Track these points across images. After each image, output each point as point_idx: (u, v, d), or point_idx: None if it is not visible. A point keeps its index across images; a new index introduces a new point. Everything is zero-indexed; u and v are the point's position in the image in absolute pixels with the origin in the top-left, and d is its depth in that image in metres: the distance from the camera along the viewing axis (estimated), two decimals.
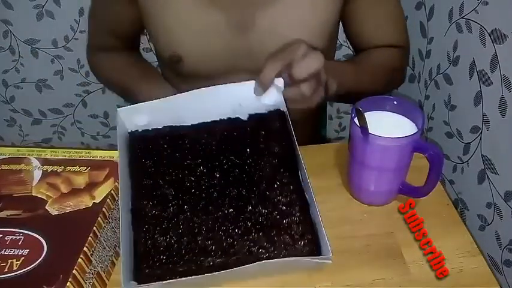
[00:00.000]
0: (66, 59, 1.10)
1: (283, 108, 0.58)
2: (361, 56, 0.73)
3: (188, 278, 0.44)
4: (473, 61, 0.59)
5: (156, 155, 0.55)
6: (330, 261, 0.45)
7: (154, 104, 0.56)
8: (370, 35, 0.71)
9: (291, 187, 0.52)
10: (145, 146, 0.56)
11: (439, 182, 0.63)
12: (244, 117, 0.59)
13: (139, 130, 0.58)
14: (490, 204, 0.58)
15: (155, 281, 0.45)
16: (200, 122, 0.58)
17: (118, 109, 0.56)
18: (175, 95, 0.57)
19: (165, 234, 0.49)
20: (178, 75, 0.71)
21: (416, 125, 0.55)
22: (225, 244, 0.48)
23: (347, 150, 0.59)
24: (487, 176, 0.58)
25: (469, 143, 0.62)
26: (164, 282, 0.44)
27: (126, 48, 0.80)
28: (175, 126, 0.58)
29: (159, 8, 0.63)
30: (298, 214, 0.50)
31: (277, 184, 0.52)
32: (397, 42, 0.73)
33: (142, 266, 0.47)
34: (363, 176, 0.58)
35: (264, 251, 0.48)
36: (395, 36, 0.73)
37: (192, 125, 0.58)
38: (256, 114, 0.58)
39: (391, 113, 0.57)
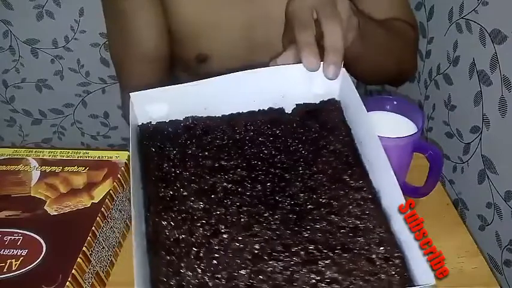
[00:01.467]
0: (66, 59, 1.10)
1: (339, 97, 0.46)
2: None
3: None
4: (473, 61, 0.59)
5: (175, 156, 0.42)
6: None
7: (175, 89, 0.44)
8: (377, 10, 0.64)
9: (363, 194, 0.39)
10: (160, 143, 0.43)
11: (439, 182, 0.63)
12: (289, 109, 0.46)
13: (153, 122, 0.45)
14: (490, 204, 0.58)
15: None
16: (234, 112, 0.46)
17: (131, 94, 0.44)
18: (203, 80, 0.44)
19: (194, 268, 0.35)
20: (200, 76, 0.70)
21: (416, 125, 0.55)
22: (279, 279, 0.34)
23: None
24: (487, 176, 0.58)
25: (469, 143, 0.62)
26: None
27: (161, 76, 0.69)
28: (200, 117, 0.45)
29: (185, 10, 0.63)
30: (378, 230, 0.37)
31: (343, 191, 0.39)
32: (405, 18, 0.67)
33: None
34: None
35: (336, 285, 0.34)
36: (402, 12, 0.67)
37: (222, 116, 0.45)
38: (304, 104, 0.46)
39: (391, 113, 0.57)
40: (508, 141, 0.53)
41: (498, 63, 0.54)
